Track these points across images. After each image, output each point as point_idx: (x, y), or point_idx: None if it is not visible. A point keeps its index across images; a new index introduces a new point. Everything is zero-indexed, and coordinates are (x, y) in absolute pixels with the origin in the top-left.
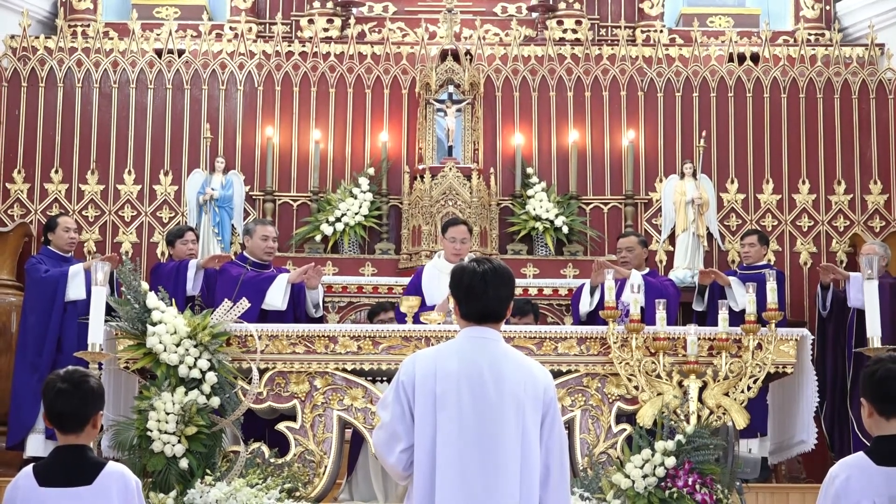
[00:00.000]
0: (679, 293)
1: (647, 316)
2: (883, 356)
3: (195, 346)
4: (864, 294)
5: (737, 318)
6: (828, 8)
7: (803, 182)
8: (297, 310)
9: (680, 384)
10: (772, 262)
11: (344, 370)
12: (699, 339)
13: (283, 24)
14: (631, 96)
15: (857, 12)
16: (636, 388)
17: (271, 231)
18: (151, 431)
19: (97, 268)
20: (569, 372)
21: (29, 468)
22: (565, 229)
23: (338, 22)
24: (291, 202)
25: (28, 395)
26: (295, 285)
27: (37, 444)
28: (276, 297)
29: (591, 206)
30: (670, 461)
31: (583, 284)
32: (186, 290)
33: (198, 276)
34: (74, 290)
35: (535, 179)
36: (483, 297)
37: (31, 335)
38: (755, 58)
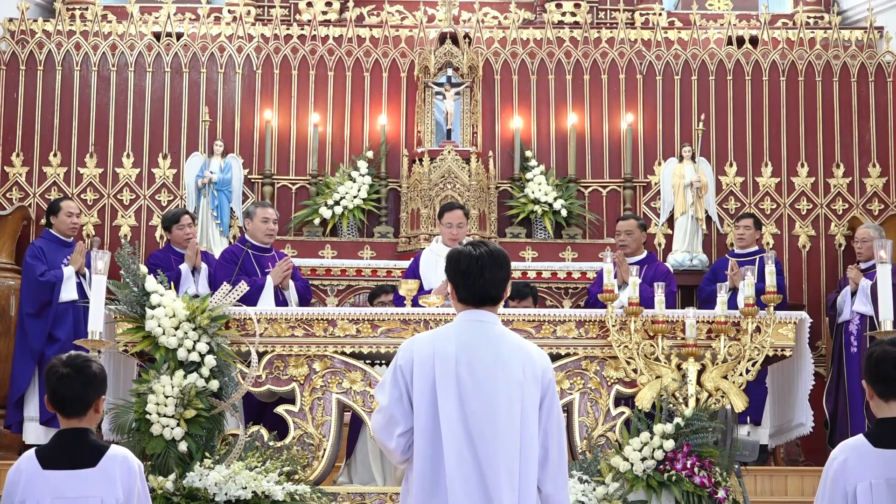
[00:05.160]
0: (675, 284)
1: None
2: (882, 339)
3: (194, 330)
4: (878, 277)
5: None
6: None
7: (802, 165)
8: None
9: (678, 367)
10: (770, 246)
11: (343, 353)
12: (698, 322)
13: (281, 7)
14: (630, 79)
15: None
16: (635, 371)
17: (272, 213)
18: (150, 414)
19: (97, 256)
20: (567, 355)
21: (31, 451)
22: (564, 212)
23: (336, 5)
24: (290, 185)
25: (26, 380)
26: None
27: (36, 432)
28: (269, 305)
29: (590, 189)
30: (669, 444)
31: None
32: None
33: (195, 278)
34: (67, 293)
35: (533, 163)
36: (479, 280)
37: (29, 326)
38: (754, 41)
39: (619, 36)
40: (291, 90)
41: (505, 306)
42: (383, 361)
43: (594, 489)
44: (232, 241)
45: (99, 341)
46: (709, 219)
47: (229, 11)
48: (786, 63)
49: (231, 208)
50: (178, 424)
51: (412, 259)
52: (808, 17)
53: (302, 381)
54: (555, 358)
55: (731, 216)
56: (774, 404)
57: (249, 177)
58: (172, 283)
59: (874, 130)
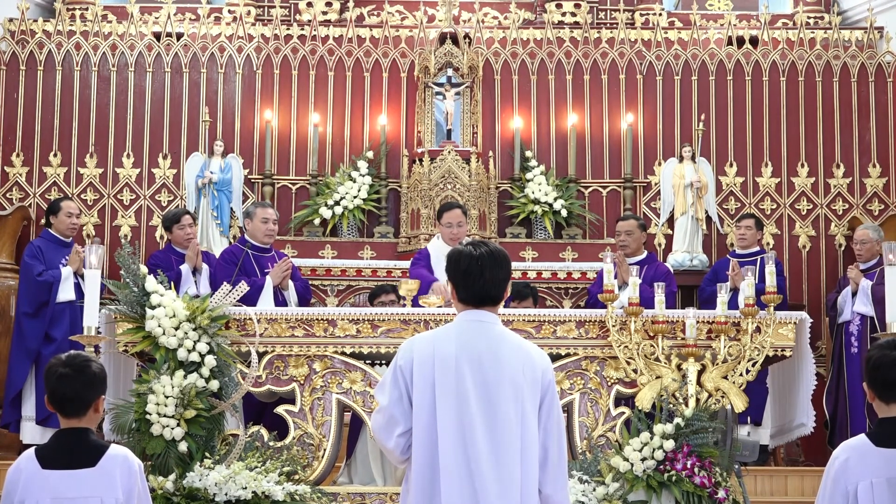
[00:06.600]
0: (675, 284)
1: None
2: (881, 342)
3: (194, 330)
4: (886, 279)
5: None
6: None
7: (802, 165)
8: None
9: (678, 367)
10: (770, 246)
11: (343, 353)
12: (698, 322)
13: (281, 7)
14: (630, 80)
15: None
16: (635, 371)
17: (271, 214)
18: (150, 415)
19: (91, 250)
20: (567, 355)
21: (31, 451)
22: (564, 213)
23: (336, 5)
24: (290, 185)
25: (21, 379)
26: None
27: (33, 432)
28: (268, 305)
29: (590, 189)
30: (669, 444)
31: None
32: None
33: (197, 279)
34: (64, 293)
35: (533, 163)
36: (479, 280)
37: (25, 325)
38: (754, 41)
39: (619, 36)
40: (291, 90)
41: (505, 306)
42: (383, 361)
43: (594, 489)
44: (232, 241)
45: (95, 336)
46: (709, 219)
47: (229, 11)
48: (786, 63)
49: (231, 208)
50: (178, 424)
51: (417, 254)
52: (808, 18)
53: (302, 382)
54: (555, 358)
55: (731, 216)
56: (775, 404)
57: (249, 177)
58: (173, 284)
59: (874, 130)
